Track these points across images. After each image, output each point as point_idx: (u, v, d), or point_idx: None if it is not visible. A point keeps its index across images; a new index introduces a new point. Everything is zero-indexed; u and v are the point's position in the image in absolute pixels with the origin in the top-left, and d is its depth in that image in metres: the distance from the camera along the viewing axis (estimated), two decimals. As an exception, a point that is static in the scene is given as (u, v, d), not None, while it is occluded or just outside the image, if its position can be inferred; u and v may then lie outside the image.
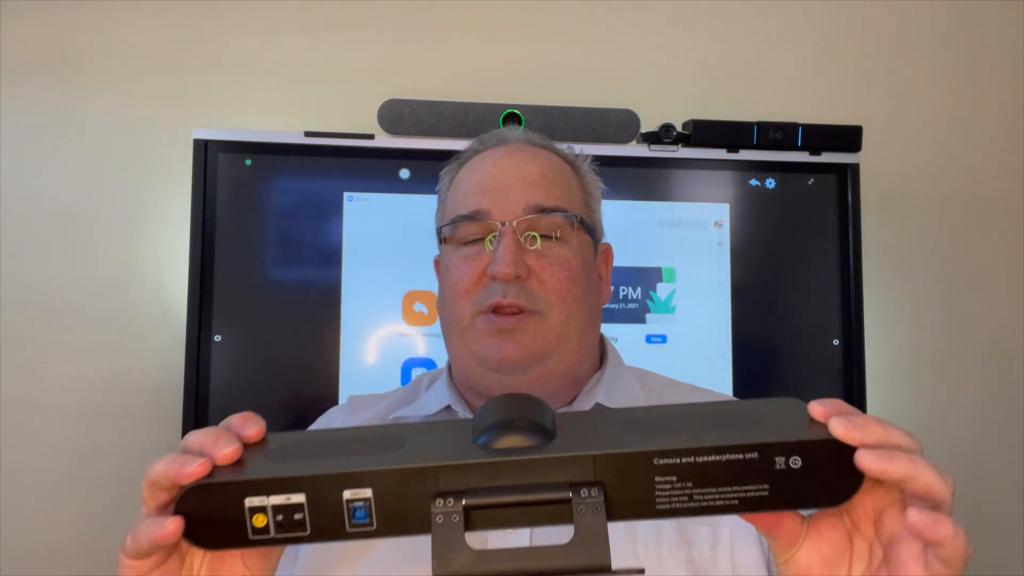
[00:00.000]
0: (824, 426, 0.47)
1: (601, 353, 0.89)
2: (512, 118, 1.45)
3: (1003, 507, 1.72)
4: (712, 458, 0.46)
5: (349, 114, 1.55)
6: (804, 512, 0.51)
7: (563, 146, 0.89)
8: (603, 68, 1.70)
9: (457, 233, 0.81)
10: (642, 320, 1.45)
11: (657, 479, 0.46)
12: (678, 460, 0.46)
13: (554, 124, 1.46)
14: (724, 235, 1.48)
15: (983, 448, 1.72)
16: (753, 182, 1.49)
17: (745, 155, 1.48)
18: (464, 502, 0.45)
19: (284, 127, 1.51)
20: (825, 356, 1.47)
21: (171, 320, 1.53)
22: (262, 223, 1.39)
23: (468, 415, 0.81)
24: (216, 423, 0.52)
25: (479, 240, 0.80)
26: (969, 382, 1.73)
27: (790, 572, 0.51)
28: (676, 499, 0.46)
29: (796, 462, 0.46)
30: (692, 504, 0.47)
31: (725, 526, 0.74)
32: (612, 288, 1.41)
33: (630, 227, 1.46)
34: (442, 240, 0.84)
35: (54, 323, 1.53)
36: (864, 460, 0.45)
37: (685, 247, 1.47)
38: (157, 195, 1.57)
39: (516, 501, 0.45)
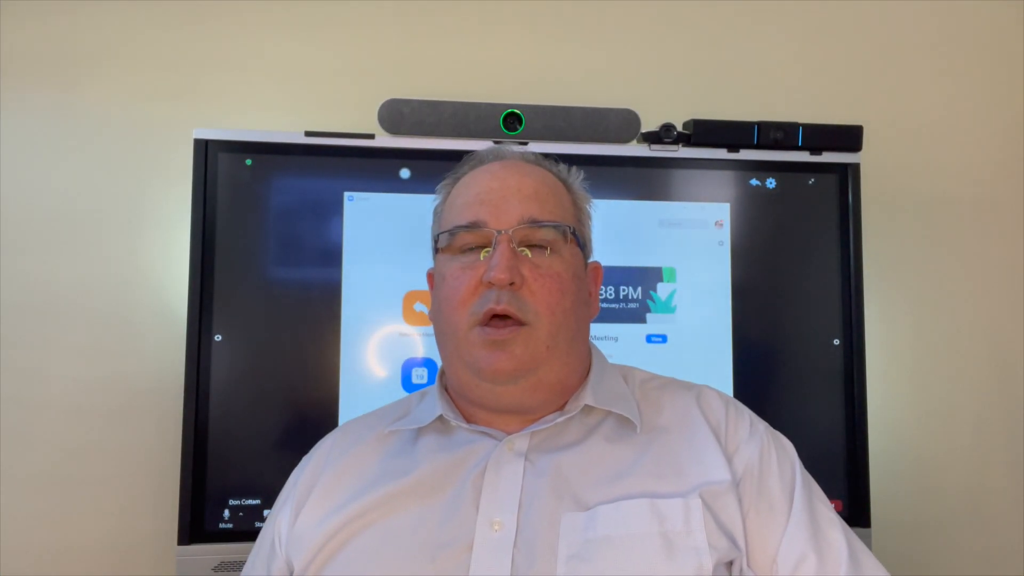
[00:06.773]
0: None
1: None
2: (512, 118, 1.45)
3: (1003, 507, 1.72)
4: None
5: (349, 114, 1.55)
6: None
7: (556, 165, 0.93)
8: (603, 68, 1.70)
9: (455, 242, 0.84)
10: (642, 320, 1.45)
11: None
12: None
13: (554, 124, 1.45)
14: (724, 235, 1.48)
15: (983, 448, 1.72)
16: (753, 182, 1.49)
17: (745, 155, 1.48)
18: None
19: (284, 127, 1.51)
20: (825, 356, 1.47)
21: (171, 320, 1.53)
22: (262, 223, 1.39)
23: (461, 423, 0.85)
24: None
25: (476, 250, 0.83)
26: (969, 382, 1.73)
27: None
28: None
29: None
30: None
31: (696, 497, 0.77)
32: (612, 288, 1.43)
33: (630, 227, 1.46)
34: (438, 250, 0.87)
35: (54, 323, 1.53)
36: None
37: (685, 247, 1.47)
38: (157, 195, 1.57)
39: None
